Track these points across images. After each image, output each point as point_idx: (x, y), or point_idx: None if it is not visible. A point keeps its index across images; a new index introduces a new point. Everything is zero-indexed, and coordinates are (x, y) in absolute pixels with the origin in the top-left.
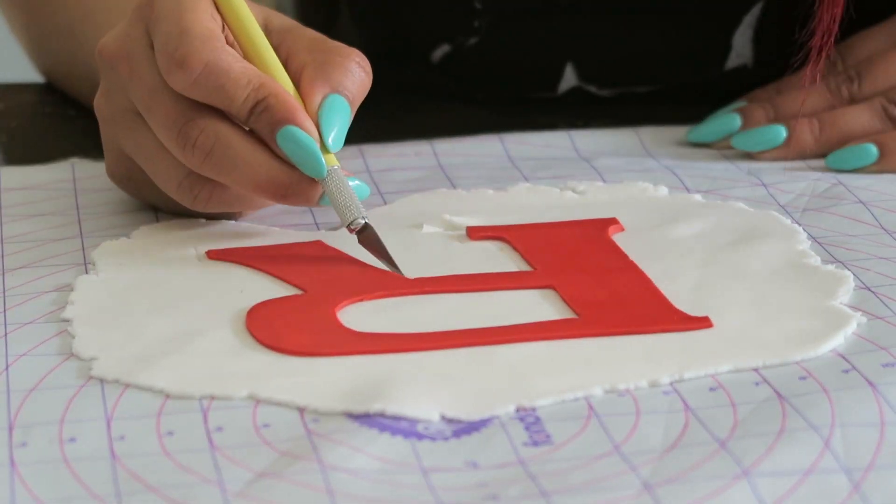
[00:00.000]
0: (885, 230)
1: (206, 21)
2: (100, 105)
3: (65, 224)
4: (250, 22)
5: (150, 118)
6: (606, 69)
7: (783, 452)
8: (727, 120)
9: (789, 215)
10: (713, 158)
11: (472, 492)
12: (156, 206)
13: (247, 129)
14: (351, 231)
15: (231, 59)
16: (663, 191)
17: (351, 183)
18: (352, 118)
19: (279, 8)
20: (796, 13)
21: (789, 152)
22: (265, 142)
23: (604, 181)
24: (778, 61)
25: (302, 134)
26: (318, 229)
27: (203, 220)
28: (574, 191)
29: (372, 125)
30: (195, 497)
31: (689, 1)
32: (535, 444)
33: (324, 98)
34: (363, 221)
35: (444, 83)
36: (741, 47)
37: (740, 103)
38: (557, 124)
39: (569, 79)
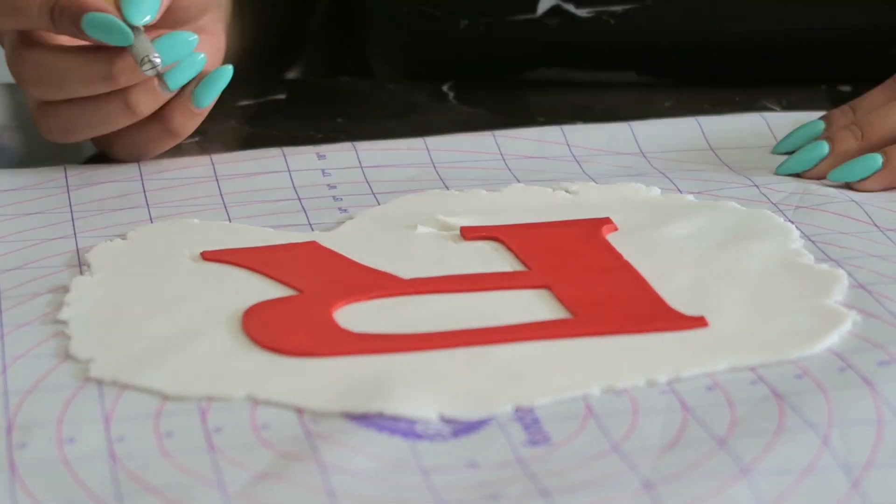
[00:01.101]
0: (878, 228)
1: None
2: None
3: (58, 223)
4: None
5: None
6: None
7: (782, 451)
8: (814, 148)
9: (782, 213)
10: (705, 160)
11: (473, 492)
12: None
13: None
14: (148, 71)
15: None
16: (655, 191)
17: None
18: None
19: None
20: None
21: (889, 176)
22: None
23: (596, 183)
24: None
25: (99, 15)
26: (313, 230)
27: (197, 221)
28: (567, 191)
29: (378, 126)
30: (195, 498)
31: None
32: (534, 443)
33: None
34: (157, 59)
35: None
36: None
37: (818, 125)
38: (537, 48)
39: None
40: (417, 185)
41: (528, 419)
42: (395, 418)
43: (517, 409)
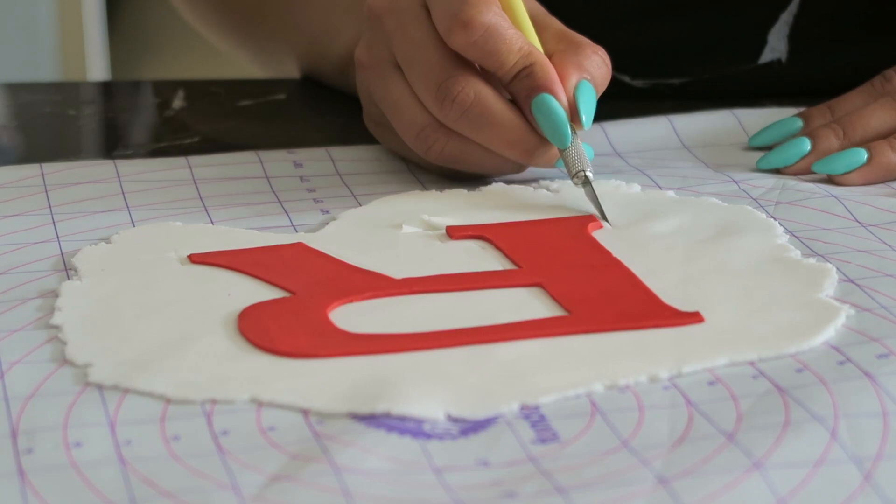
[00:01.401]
0: (859, 223)
1: None
2: (360, 54)
3: (39, 226)
4: None
5: (412, 70)
6: (640, 60)
7: (792, 444)
8: (798, 144)
9: (763, 209)
10: (680, 157)
11: (488, 490)
12: (398, 153)
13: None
14: (575, 181)
15: (507, 24)
16: (636, 188)
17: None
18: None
19: None
20: (832, 9)
21: (874, 171)
22: (517, 106)
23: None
24: (813, 57)
25: (556, 104)
26: (297, 231)
27: (180, 224)
28: (548, 189)
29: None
30: (212, 502)
31: None
32: (543, 441)
33: (578, 81)
34: (590, 174)
35: None
36: (776, 42)
37: (795, 121)
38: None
39: None
40: (396, 187)
41: (534, 417)
42: (402, 418)
43: (523, 407)
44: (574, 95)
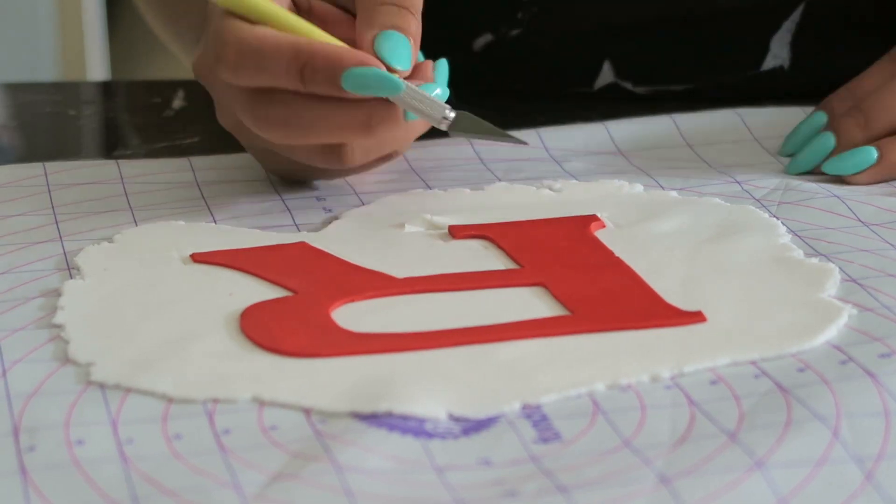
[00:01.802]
0: (862, 222)
1: (233, 13)
2: (221, 120)
3: (42, 226)
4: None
5: (237, 113)
6: (643, 67)
7: (793, 443)
8: (821, 141)
9: (766, 209)
10: (684, 156)
11: (490, 489)
12: (263, 162)
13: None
14: (444, 126)
15: (262, 36)
16: (638, 188)
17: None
18: (412, 45)
19: None
20: (835, 16)
21: (883, 170)
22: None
23: (578, 181)
24: (815, 63)
25: (359, 69)
26: (299, 230)
27: (183, 223)
28: (551, 189)
29: None
30: (213, 500)
31: (728, 3)
32: (545, 440)
33: (374, 36)
34: (451, 114)
35: (484, 72)
36: (778, 49)
37: (821, 116)
38: (593, 118)
39: (606, 75)
40: (399, 186)
41: (536, 416)
42: (404, 417)
43: (524, 407)
44: (376, 52)
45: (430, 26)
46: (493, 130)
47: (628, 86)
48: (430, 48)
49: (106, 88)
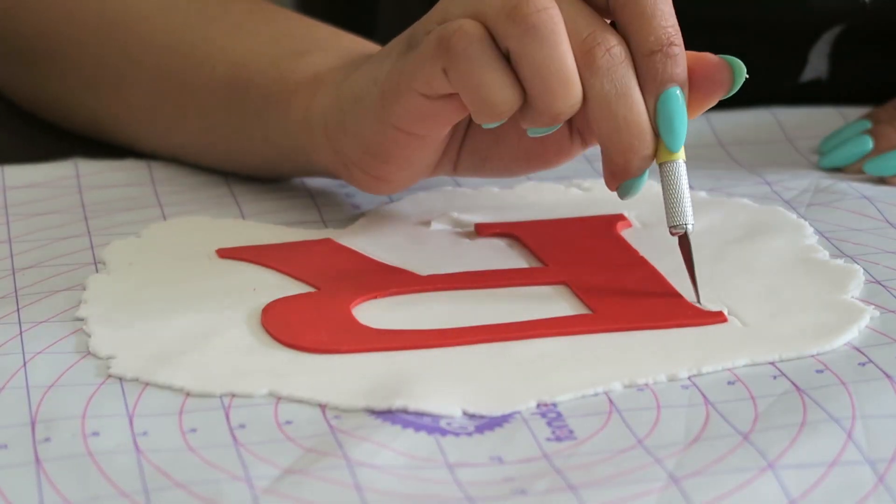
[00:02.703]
0: (890, 224)
1: None
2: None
3: (71, 222)
4: None
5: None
6: None
7: (806, 445)
8: (859, 143)
9: (794, 210)
10: (715, 156)
11: (500, 486)
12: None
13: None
14: (672, 233)
15: None
16: None
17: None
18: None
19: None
20: (875, 30)
21: None
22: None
23: None
24: (854, 76)
25: (684, 105)
26: (326, 226)
27: (210, 219)
28: (579, 187)
29: None
30: (223, 493)
31: (768, 15)
32: (559, 439)
33: (656, 101)
34: (690, 228)
35: None
36: (817, 61)
37: (865, 123)
38: None
39: None
40: (428, 183)
41: (551, 415)
42: (418, 414)
43: (540, 405)
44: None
45: None
46: (692, 273)
47: None
48: None
49: None
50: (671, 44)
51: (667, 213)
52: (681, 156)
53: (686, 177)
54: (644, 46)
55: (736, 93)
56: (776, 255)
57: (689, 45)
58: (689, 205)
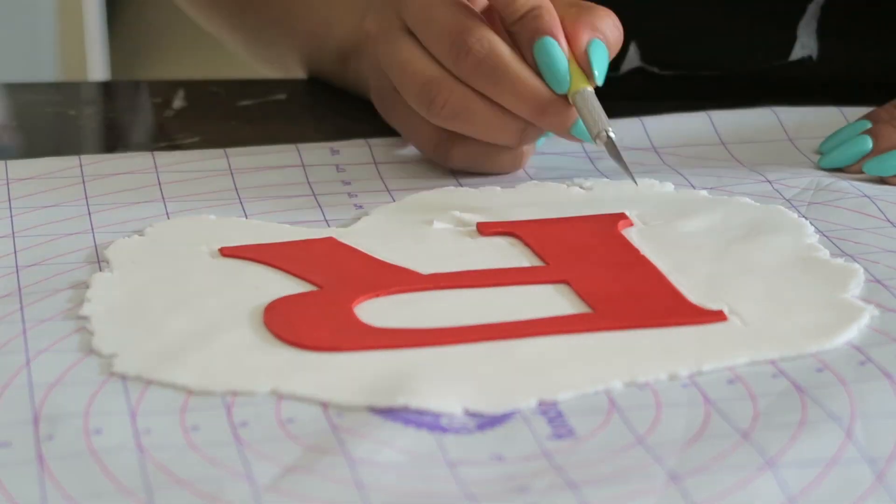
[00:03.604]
0: (891, 223)
1: None
2: (369, 25)
3: (75, 217)
4: None
5: (425, 29)
6: (669, 52)
7: (806, 443)
8: (858, 143)
9: (795, 209)
10: (717, 155)
11: (501, 484)
12: (400, 130)
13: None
14: (597, 142)
15: None
16: (669, 187)
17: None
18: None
19: None
20: (860, 3)
21: None
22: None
23: (609, 180)
24: (843, 54)
25: (558, 49)
26: (329, 226)
27: (213, 217)
28: (581, 187)
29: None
30: (225, 491)
31: None
32: (559, 437)
33: (590, 40)
34: (612, 135)
35: None
36: (806, 38)
37: (864, 123)
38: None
39: (632, 59)
40: (431, 183)
41: (551, 413)
42: (420, 412)
43: (540, 403)
44: (586, 53)
45: None
46: (625, 166)
47: (655, 70)
48: None
49: (106, 88)
50: (535, 7)
51: (587, 128)
52: (588, 86)
53: (594, 98)
54: (512, 18)
55: (728, 72)
56: (776, 253)
57: (679, 19)
58: (603, 116)
